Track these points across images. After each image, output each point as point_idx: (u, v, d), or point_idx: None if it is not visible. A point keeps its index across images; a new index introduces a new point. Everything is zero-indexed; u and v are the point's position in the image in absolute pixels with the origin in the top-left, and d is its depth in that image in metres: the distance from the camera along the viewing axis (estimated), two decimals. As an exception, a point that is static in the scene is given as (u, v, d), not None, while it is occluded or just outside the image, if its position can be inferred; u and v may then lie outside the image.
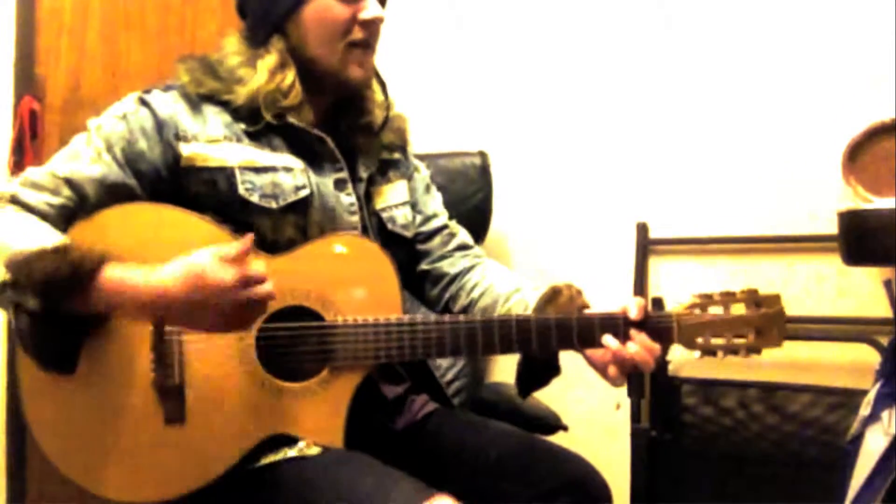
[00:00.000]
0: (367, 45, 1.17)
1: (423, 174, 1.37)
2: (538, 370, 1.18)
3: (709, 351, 1.07)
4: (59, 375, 1.03)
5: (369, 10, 1.15)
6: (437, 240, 1.33)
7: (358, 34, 1.15)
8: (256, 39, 1.17)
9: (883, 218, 1.61)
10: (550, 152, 2.20)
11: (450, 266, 1.31)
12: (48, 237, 1.00)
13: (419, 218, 1.32)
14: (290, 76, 1.14)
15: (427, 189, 1.36)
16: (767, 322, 1.06)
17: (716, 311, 1.07)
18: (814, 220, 1.87)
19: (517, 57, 2.24)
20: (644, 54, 2.08)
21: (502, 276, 1.29)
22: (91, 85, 2.02)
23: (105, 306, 0.98)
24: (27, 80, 1.92)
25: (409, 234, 1.28)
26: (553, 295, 1.15)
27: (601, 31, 2.14)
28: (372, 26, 1.16)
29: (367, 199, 1.23)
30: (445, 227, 1.35)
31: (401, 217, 1.27)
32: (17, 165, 1.87)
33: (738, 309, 1.07)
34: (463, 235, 1.36)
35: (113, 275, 0.97)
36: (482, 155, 2.07)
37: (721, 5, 1.99)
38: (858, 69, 1.83)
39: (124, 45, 2.08)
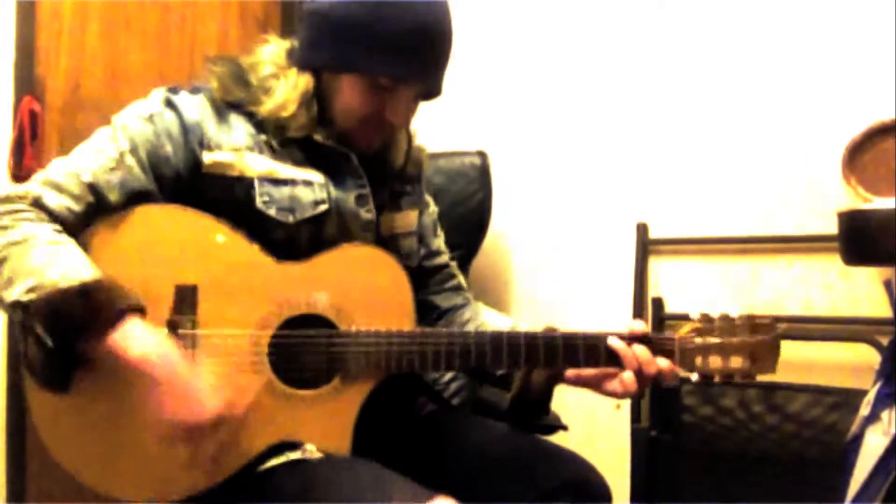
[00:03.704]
0: (383, 129, 1.17)
1: (432, 210, 1.37)
2: (530, 408, 1.18)
3: (706, 374, 1.09)
4: (53, 392, 1.02)
5: (395, 115, 1.14)
6: (436, 277, 1.34)
7: (378, 121, 1.15)
8: (295, 59, 1.16)
9: (883, 218, 1.61)
10: (550, 152, 2.20)
11: (442, 300, 1.33)
12: (78, 272, 0.98)
13: (423, 250, 1.32)
14: (303, 115, 1.13)
15: (434, 227, 1.36)
16: (763, 349, 1.08)
17: (715, 334, 1.09)
18: (814, 220, 1.87)
19: (517, 57, 2.25)
20: (644, 55, 2.09)
21: (495, 315, 1.31)
22: (91, 85, 2.02)
23: (108, 354, 0.97)
24: (27, 80, 1.92)
25: (412, 263, 1.27)
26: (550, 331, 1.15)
27: (601, 31, 2.14)
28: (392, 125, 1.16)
29: (375, 225, 1.22)
30: (447, 266, 1.36)
31: (406, 246, 1.27)
32: (17, 166, 1.87)
33: (736, 333, 1.09)
34: (460, 279, 1.37)
35: (127, 331, 0.97)
36: (482, 155, 2.07)
37: (721, 6, 1.99)
38: (858, 69, 1.83)
39: (124, 45, 2.08)
